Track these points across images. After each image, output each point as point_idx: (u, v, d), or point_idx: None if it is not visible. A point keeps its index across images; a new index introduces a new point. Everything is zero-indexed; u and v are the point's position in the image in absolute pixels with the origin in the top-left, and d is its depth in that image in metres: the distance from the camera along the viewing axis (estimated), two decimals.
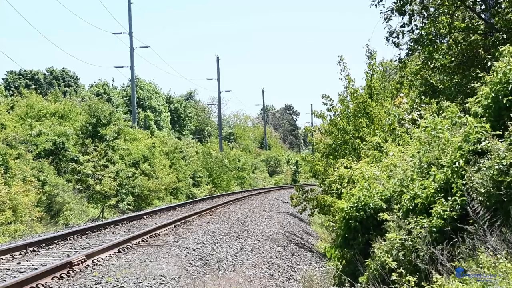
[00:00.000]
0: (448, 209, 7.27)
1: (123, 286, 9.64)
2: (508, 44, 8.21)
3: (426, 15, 14.36)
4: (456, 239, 6.98)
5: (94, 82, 56.68)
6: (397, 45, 15.32)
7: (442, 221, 7.25)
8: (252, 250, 15.00)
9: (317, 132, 20.96)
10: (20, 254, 12.63)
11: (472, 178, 6.99)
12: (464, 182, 7.17)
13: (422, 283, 6.70)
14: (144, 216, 21.52)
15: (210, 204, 27.88)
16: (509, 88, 7.35)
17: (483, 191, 6.81)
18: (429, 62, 14.37)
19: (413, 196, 8.07)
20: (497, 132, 7.19)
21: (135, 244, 14.07)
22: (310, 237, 21.49)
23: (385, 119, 16.33)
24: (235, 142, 72.26)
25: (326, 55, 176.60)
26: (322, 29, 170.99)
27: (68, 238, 15.18)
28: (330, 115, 19.55)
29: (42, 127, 24.74)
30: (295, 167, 66.38)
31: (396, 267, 7.34)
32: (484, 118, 7.60)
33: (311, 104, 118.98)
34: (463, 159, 7.45)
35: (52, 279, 9.91)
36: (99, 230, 17.23)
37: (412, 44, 14.99)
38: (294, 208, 21.10)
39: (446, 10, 14.15)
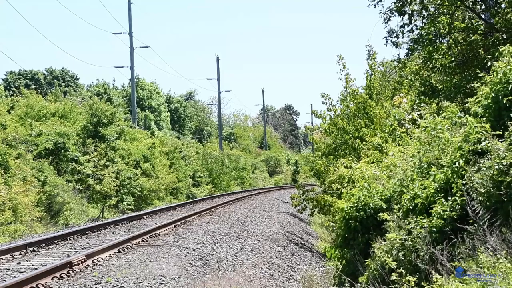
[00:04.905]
0: (448, 209, 7.28)
1: (123, 286, 9.64)
2: (508, 44, 8.21)
3: (426, 15, 14.35)
4: (456, 239, 6.99)
5: (92, 82, 56.74)
6: (396, 45, 15.32)
7: (442, 221, 7.26)
8: (252, 250, 15.00)
9: (317, 131, 20.93)
10: (20, 254, 12.63)
11: (472, 178, 6.99)
12: (464, 182, 7.17)
13: (422, 283, 6.70)
14: (144, 216, 21.52)
15: (210, 204, 27.88)
16: (509, 88, 7.35)
17: (483, 191, 6.81)
18: (428, 62, 14.37)
19: (413, 196, 8.08)
20: (497, 132, 7.19)
21: (135, 244, 14.08)
22: (310, 237, 21.49)
23: (385, 119, 16.33)
24: (235, 142, 72.25)
25: (326, 55, 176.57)
26: (322, 29, 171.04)
27: (68, 238, 15.18)
28: (330, 115, 19.53)
29: (43, 127, 24.71)
30: (295, 167, 66.34)
31: (396, 267, 7.34)
32: (484, 118, 7.60)
33: (311, 104, 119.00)
34: (463, 159, 7.46)
35: (52, 279, 9.91)
36: (99, 230, 17.22)
37: (412, 44, 15.00)
38: (295, 208, 21.08)
39: (446, 10, 14.14)
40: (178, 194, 34.69)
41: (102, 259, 11.90)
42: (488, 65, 10.43)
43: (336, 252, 10.75)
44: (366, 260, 8.57)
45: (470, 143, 7.47)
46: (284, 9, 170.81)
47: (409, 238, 7.56)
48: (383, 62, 24.22)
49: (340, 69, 19.42)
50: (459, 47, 13.91)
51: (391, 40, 15.20)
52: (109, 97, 48.85)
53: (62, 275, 10.16)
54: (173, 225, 18.13)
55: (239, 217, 22.06)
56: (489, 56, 11.56)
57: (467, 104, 8.53)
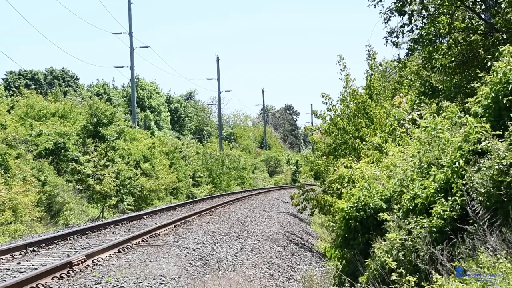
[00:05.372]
0: (448, 209, 7.28)
1: (123, 286, 9.64)
2: (508, 44, 8.21)
3: (426, 15, 14.35)
4: (456, 239, 6.99)
5: (92, 82, 56.72)
6: (396, 44, 15.31)
7: (442, 221, 7.26)
8: (252, 250, 15.00)
9: (317, 131, 20.93)
10: (20, 254, 12.63)
11: (472, 178, 6.99)
12: (464, 182, 7.17)
13: (422, 283, 6.70)
14: (144, 216, 21.52)
15: (210, 204, 27.88)
16: (509, 88, 7.36)
17: (483, 191, 6.81)
18: (428, 62, 14.36)
19: (413, 196, 8.08)
20: (497, 132, 7.20)
21: (135, 244, 14.08)
22: (310, 237, 21.49)
23: (385, 119, 16.33)
24: (235, 142, 72.25)
25: (326, 55, 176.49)
26: (322, 29, 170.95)
27: (68, 238, 15.17)
28: (330, 115, 19.53)
29: (43, 127, 24.71)
30: (295, 167, 66.36)
31: (396, 267, 7.34)
32: (484, 118, 7.60)
33: (311, 104, 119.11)
34: (463, 159, 7.46)
35: (52, 279, 9.91)
36: (99, 230, 17.22)
37: (412, 44, 14.99)
38: (295, 207, 21.09)
39: (446, 10, 14.14)
40: (178, 194, 34.69)
41: (102, 259, 11.90)
42: (488, 65, 10.43)
43: (336, 252, 10.76)
44: (366, 260, 8.57)
45: (470, 143, 7.47)
46: (284, 9, 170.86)
47: (409, 238, 7.56)
48: (382, 63, 24.23)
49: (341, 69, 19.43)
50: (459, 47, 13.90)
51: (391, 40, 15.19)
52: (109, 97, 48.86)
53: (62, 275, 10.16)
54: (173, 225, 18.13)
55: (239, 217, 22.06)
56: (489, 56, 11.55)
57: (467, 104, 8.53)
